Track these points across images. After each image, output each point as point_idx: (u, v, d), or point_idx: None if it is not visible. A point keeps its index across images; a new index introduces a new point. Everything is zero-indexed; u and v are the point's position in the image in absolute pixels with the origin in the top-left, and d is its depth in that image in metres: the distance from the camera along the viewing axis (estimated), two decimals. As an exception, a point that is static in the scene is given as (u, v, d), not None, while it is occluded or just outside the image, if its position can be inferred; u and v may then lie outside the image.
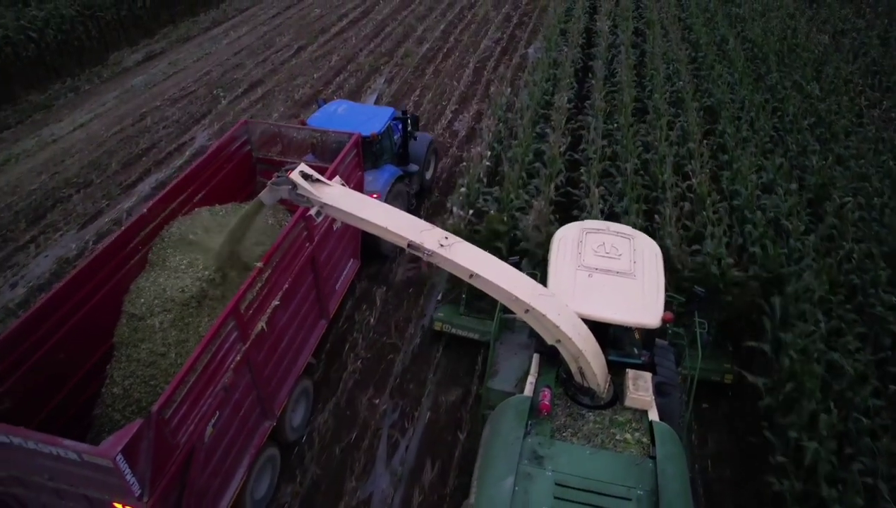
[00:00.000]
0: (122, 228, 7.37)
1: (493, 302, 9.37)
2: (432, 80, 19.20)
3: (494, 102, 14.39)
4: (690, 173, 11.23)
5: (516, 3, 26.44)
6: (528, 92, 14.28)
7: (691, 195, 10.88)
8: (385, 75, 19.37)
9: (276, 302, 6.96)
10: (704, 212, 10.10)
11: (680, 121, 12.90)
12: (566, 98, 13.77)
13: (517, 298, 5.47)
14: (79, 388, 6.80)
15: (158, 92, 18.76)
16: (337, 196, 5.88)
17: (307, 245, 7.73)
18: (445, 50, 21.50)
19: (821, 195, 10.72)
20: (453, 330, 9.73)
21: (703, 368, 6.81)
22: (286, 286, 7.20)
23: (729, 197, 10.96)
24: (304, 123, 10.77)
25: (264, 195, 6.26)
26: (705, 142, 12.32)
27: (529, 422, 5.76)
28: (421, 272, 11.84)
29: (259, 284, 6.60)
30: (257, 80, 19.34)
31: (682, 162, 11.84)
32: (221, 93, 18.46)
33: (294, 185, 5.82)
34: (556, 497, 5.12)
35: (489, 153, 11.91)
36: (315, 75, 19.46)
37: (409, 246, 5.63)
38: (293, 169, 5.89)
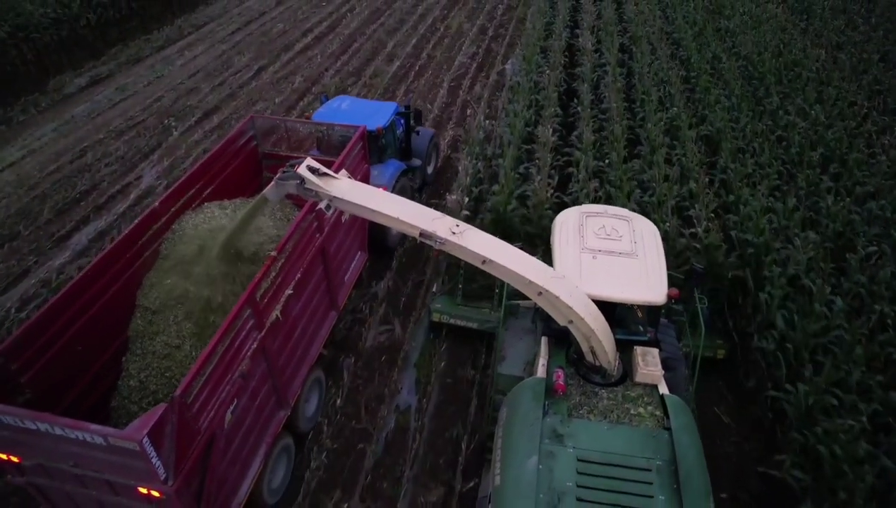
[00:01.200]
0: (134, 223, 7.42)
1: (490, 291, 9.34)
2: (404, 102, 17.74)
3: (471, 138, 13.03)
4: (695, 220, 9.99)
5: (491, 13, 25.16)
6: (509, 124, 12.95)
7: (697, 246, 9.64)
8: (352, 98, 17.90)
9: (290, 292, 6.99)
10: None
11: (677, 155, 11.68)
12: (551, 129, 12.47)
13: (531, 281, 5.58)
14: (95, 381, 6.85)
15: (103, 122, 17.07)
16: (346, 189, 5.90)
17: (317, 235, 7.73)
18: (417, 68, 20.10)
19: (842, 244, 9.55)
20: (451, 321, 9.73)
21: (698, 345, 7.09)
22: (298, 276, 7.24)
23: (738, 246, 9.74)
24: (308, 119, 10.76)
25: (269, 191, 6.18)
26: (707, 178, 11.09)
27: (546, 402, 5.88)
28: (394, 334, 10.47)
29: (273, 273, 6.64)
30: (213, 106, 17.74)
31: (683, 204, 10.61)
32: (173, 123, 16.84)
33: (302, 180, 5.85)
34: (579, 473, 5.29)
35: (466, 200, 10.56)
36: (276, 100, 17.92)
37: (420, 235, 5.66)
38: (299, 164, 5.90)
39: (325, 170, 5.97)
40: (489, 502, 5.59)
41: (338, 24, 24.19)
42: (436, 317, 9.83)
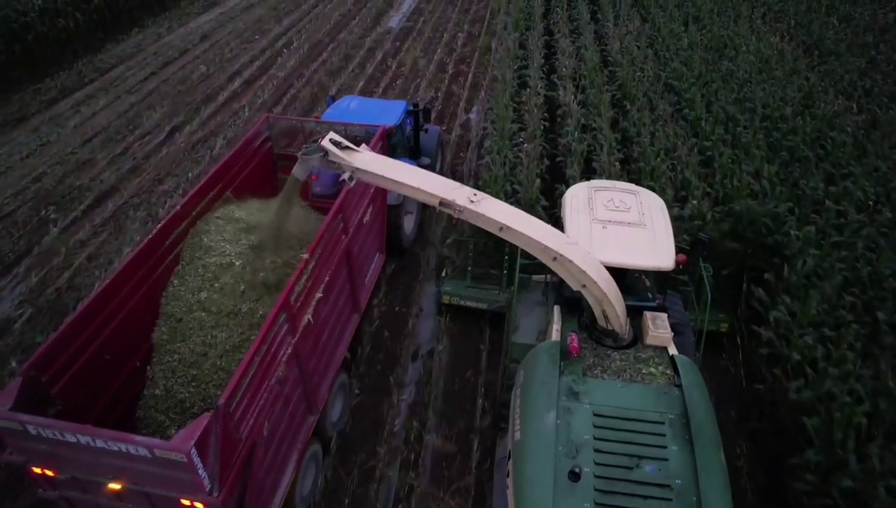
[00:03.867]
0: (157, 228, 7.26)
1: (499, 272, 9.68)
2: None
3: (435, 250, 9.88)
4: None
5: (450, 45, 21.97)
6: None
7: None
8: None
9: (320, 295, 6.92)
10: None
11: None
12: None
13: (546, 247, 5.82)
14: (121, 391, 6.74)
15: (-42, 217, 13.30)
16: (368, 161, 6.20)
17: (343, 237, 7.74)
18: (366, 121, 16.78)
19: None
20: (461, 302, 9.97)
21: (703, 319, 7.26)
22: (327, 278, 7.17)
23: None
24: (318, 119, 10.59)
25: (297, 169, 6.50)
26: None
27: (561, 364, 6.12)
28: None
29: (304, 276, 6.53)
30: (109, 187, 14.12)
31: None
32: (52, 215, 13.18)
33: (325, 153, 6.14)
34: (596, 426, 5.54)
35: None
36: (190, 173, 14.41)
37: (440, 203, 5.94)
38: (322, 137, 6.21)
39: (347, 143, 6.20)
40: (509, 458, 5.80)
41: (271, 63, 20.66)
42: (446, 299, 10.05)
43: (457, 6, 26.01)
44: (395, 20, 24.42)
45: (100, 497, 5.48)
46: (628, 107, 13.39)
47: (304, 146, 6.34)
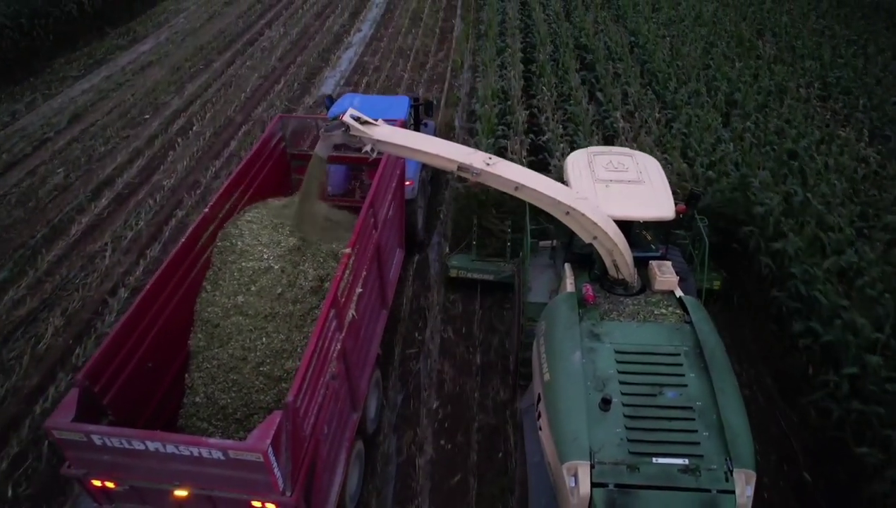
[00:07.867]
0: (188, 233, 7.20)
1: (502, 245, 10.46)
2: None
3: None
4: None
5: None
6: None
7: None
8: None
9: (360, 290, 7.02)
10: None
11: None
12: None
13: (560, 202, 6.23)
14: (164, 399, 6.68)
15: None
16: (388, 133, 6.54)
17: (374, 232, 7.81)
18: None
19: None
20: (468, 275, 10.47)
21: (703, 261, 7.92)
22: (364, 273, 7.28)
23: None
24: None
25: (319, 147, 6.79)
26: None
27: (580, 311, 6.56)
28: None
29: (348, 271, 6.57)
30: None
31: None
32: None
33: (347, 127, 6.43)
34: (618, 362, 5.98)
35: None
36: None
37: (458, 168, 6.33)
38: (343, 113, 6.49)
39: (366, 117, 6.50)
40: (539, 400, 6.20)
41: (159, 161, 15.28)
42: (453, 273, 10.51)
43: (409, 59, 20.92)
44: (330, 83, 19.23)
45: (161, 506, 5.35)
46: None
47: (325, 124, 6.61)
